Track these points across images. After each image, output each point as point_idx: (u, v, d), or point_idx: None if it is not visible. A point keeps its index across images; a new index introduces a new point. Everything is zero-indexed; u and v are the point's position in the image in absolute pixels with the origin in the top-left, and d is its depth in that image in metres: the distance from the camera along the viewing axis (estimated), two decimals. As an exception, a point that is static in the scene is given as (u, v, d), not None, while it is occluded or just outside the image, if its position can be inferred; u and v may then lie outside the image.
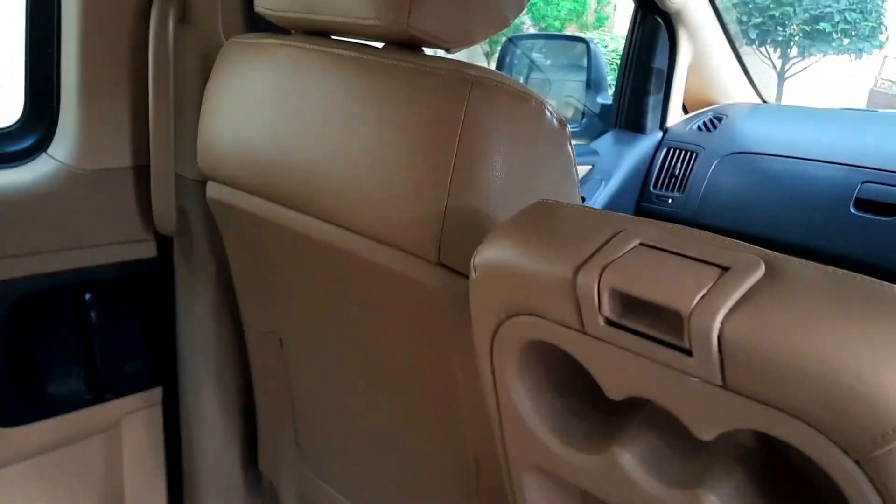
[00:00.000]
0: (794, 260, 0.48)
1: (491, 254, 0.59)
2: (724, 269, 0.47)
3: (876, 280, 0.46)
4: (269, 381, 1.15)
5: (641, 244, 0.52)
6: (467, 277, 0.61)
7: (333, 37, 0.85)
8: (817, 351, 0.42)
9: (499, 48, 1.89)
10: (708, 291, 0.46)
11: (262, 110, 0.85)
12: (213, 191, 0.97)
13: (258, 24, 0.96)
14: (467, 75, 0.69)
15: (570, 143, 0.74)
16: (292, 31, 0.89)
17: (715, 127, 1.74)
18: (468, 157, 0.67)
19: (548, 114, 0.71)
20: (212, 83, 0.93)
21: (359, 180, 0.73)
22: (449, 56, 0.78)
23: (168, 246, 1.17)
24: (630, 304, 0.50)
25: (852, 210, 1.44)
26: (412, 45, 0.76)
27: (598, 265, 0.51)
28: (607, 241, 0.53)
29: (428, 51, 0.78)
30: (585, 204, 1.66)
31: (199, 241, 1.12)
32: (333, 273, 0.85)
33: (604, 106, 1.84)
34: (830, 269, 0.47)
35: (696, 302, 0.46)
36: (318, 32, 0.84)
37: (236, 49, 0.91)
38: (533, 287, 0.55)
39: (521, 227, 0.59)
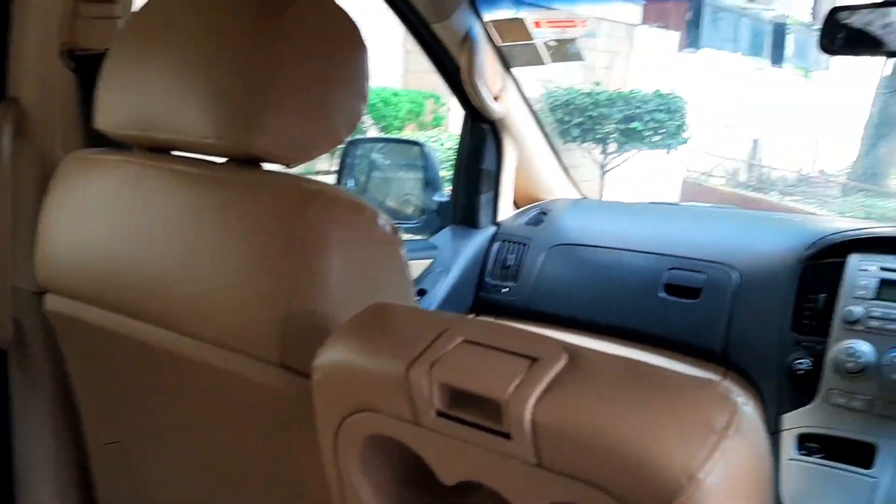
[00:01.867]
0: (592, 350, 0.56)
1: (331, 354, 0.63)
2: (534, 359, 0.55)
3: (659, 367, 0.55)
4: (114, 494, 1.10)
5: (465, 340, 0.58)
6: (310, 377, 0.65)
7: (174, 152, 0.87)
8: (611, 429, 0.49)
9: (340, 150, 1.98)
10: (521, 381, 0.53)
11: (103, 223, 0.85)
12: (52, 303, 0.95)
13: (96, 140, 0.97)
14: (306, 189, 0.74)
15: (402, 248, 0.81)
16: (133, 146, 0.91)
17: (542, 221, 1.89)
18: (308, 264, 0.72)
19: (380, 222, 0.78)
20: (51, 196, 0.93)
21: (202, 289, 0.76)
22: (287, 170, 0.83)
23: (2, 359, 1.12)
24: (457, 396, 0.56)
25: (661, 294, 1.61)
26: (252, 161, 0.80)
27: (428, 361, 0.56)
28: (435, 339, 0.59)
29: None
30: (428, 295, 1.75)
31: (36, 354, 1.09)
32: (178, 380, 0.86)
33: (441, 203, 1.96)
34: (622, 357, 0.55)
35: (510, 391, 0.52)
36: (159, 149, 0.86)
37: (75, 163, 0.92)
38: (371, 384, 0.60)
39: (358, 329, 0.64)
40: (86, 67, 1.04)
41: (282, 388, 0.74)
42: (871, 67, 14.68)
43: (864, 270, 1.41)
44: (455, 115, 7.33)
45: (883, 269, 1.40)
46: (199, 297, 0.76)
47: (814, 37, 15.83)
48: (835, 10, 1.24)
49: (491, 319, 1.76)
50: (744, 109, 13.11)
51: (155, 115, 0.81)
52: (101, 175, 0.88)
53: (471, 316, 1.81)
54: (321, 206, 0.73)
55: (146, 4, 0.87)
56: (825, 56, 16.11)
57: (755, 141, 13.90)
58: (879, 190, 12.75)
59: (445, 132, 7.03)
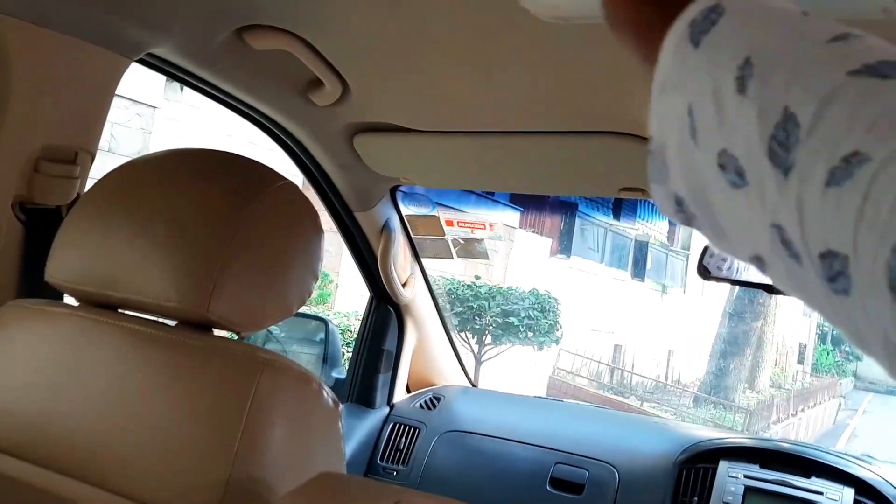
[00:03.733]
0: None
1: None
2: None
3: None
4: None
5: None
6: None
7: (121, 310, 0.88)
8: None
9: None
10: None
11: (41, 377, 0.83)
12: None
13: (34, 292, 0.97)
14: (258, 358, 0.78)
15: (342, 420, 0.85)
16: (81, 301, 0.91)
17: (435, 406, 1.95)
18: (254, 431, 0.74)
19: (325, 395, 0.82)
20: None
21: (144, 450, 0.75)
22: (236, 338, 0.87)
23: None
24: None
25: (548, 487, 1.67)
26: (204, 326, 0.84)
27: None
28: None
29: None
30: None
31: None
32: None
33: (337, 380, 1.98)
34: None
35: None
36: (109, 306, 0.86)
37: (15, 312, 0.91)
38: None
39: (308, 497, 0.67)
40: (35, 221, 1.06)
41: None
42: (721, 292, 16.20)
43: (732, 477, 1.55)
44: (342, 292, 7.42)
45: (747, 476, 1.55)
46: (138, 457, 0.76)
47: (671, 257, 17.42)
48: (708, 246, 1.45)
49: None
50: (608, 315, 13.96)
51: (112, 274, 0.83)
52: (42, 326, 0.88)
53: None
54: (271, 376, 0.77)
55: (114, 171, 0.91)
56: (680, 275, 17.65)
57: (617, 346, 14.71)
58: (727, 403, 13.62)
59: (332, 309, 7.07)
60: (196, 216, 0.82)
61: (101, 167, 1.08)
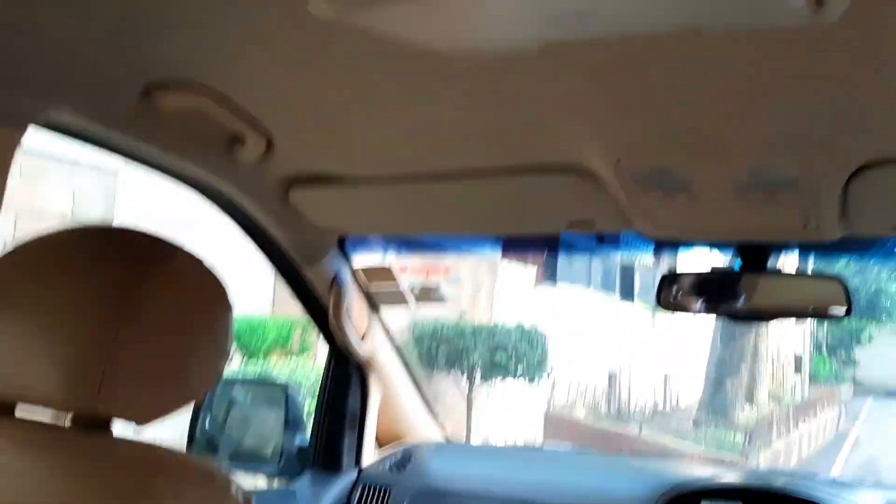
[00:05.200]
0: None
1: None
2: None
3: None
4: None
5: None
6: None
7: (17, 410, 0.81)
8: None
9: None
10: None
11: None
12: None
13: None
14: (153, 458, 0.70)
15: None
16: None
17: (405, 466, 1.85)
18: None
19: (232, 491, 0.74)
20: None
21: None
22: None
23: None
24: None
25: (527, 545, 1.57)
26: (100, 422, 0.76)
27: None
28: None
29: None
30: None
31: None
32: None
33: (301, 447, 1.89)
34: None
35: None
36: (4, 408, 0.78)
37: None
38: None
39: None
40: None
41: None
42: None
43: (714, 519, 1.46)
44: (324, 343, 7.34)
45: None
46: None
47: (657, 275, 17.44)
48: (667, 275, 1.38)
49: None
50: (600, 342, 13.89)
51: (4, 372, 0.76)
52: None
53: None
54: (169, 479, 0.70)
55: (2, 258, 0.84)
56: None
57: (612, 374, 14.60)
58: (727, 423, 13.50)
59: (313, 360, 6.96)
60: (83, 300, 0.75)
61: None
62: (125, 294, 0.74)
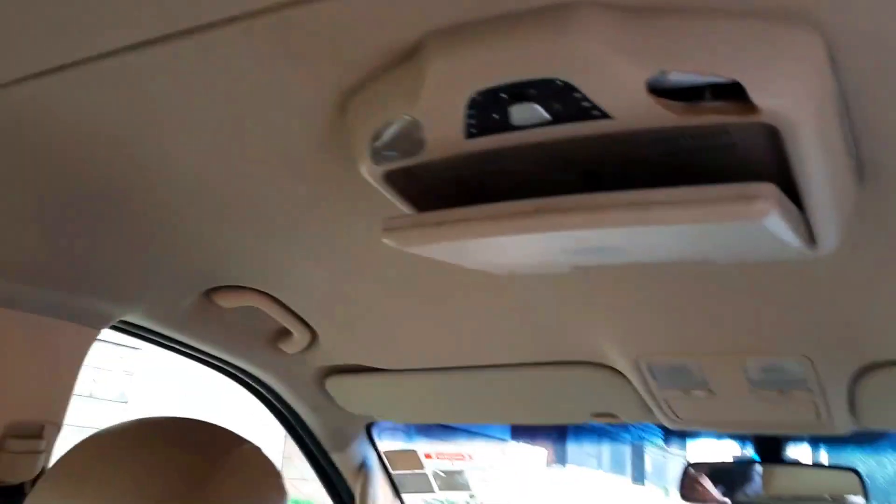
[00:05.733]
0: None
1: None
2: None
3: None
4: None
5: None
6: None
7: None
8: None
9: None
10: None
11: None
12: None
13: None
14: None
15: None
16: None
17: None
18: None
19: None
20: None
21: None
22: None
23: None
24: None
25: None
26: None
27: None
28: None
29: None
30: None
31: None
32: None
33: None
34: None
35: None
36: None
37: None
38: None
39: None
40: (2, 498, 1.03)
41: None
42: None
43: None
44: None
45: None
46: None
47: (669, 458, 16.89)
48: (688, 464, 1.43)
49: None
50: (613, 528, 13.22)
51: None
52: None
53: None
54: None
55: (78, 445, 0.90)
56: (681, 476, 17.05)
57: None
58: None
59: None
60: (154, 488, 0.81)
61: (81, 413, 1.07)
62: (195, 483, 0.81)
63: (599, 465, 14.38)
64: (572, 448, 13.47)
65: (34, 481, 1.05)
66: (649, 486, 15.58)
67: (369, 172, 0.72)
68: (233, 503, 0.83)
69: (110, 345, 5.53)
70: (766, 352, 1.09)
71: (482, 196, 0.71)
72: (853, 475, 1.27)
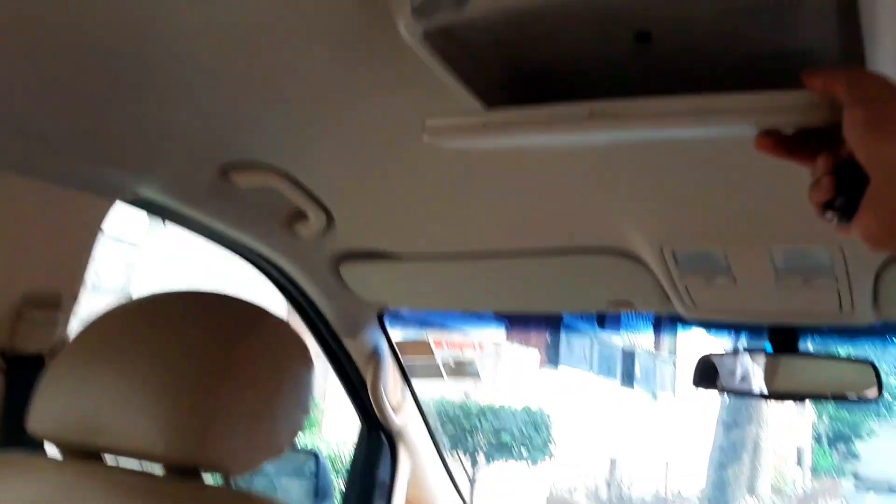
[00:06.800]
0: None
1: None
2: None
3: None
4: None
5: None
6: None
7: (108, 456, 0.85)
8: None
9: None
10: None
11: None
12: None
13: (17, 439, 0.93)
14: (250, 500, 0.74)
15: None
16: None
17: (433, 538, 1.86)
18: None
19: None
20: None
21: None
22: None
23: None
24: None
25: None
26: (192, 471, 0.80)
27: None
28: None
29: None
30: None
31: None
32: None
33: (330, 515, 1.90)
34: None
35: None
36: (93, 455, 0.83)
37: None
38: None
39: None
40: (17, 368, 1.03)
41: None
42: (713, 393, 16.00)
43: None
44: (330, 418, 7.24)
45: None
46: None
47: (659, 364, 17.31)
48: (702, 356, 1.44)
49: None
50: (601, 427, 13.69)
51: (97, 423, 0.79)
52: (22, 481, 0.83)
53: None
54: None
55: (101, 317, 0.90)
56: (669, 381, 17.52)
57: (613, 460, 14.34)
58: (730, 513, 13.17)
59: (319, 436, 6.86)
60: (184, 361, 0.80)
61: (85, 305, 1.07)
62: (223, 353, 0.80)
63: (590, 368, 14.73)
64: (564, 351, 13.76)
65: (53, 352, 1.05)
66: (638, 390, 16.03)
67: (408, 29, 0.67)
68: (258, 371, 0.83)
69: (110, 239, 5.53)
70: (796, 239, 1.07)
71: (524, 75, 0.68)
72: (869, 367, 1.29)
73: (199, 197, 1.21)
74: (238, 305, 0.89)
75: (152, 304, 0.90)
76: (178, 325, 0.85)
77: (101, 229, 1.13)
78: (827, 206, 0.53)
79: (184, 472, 0.80)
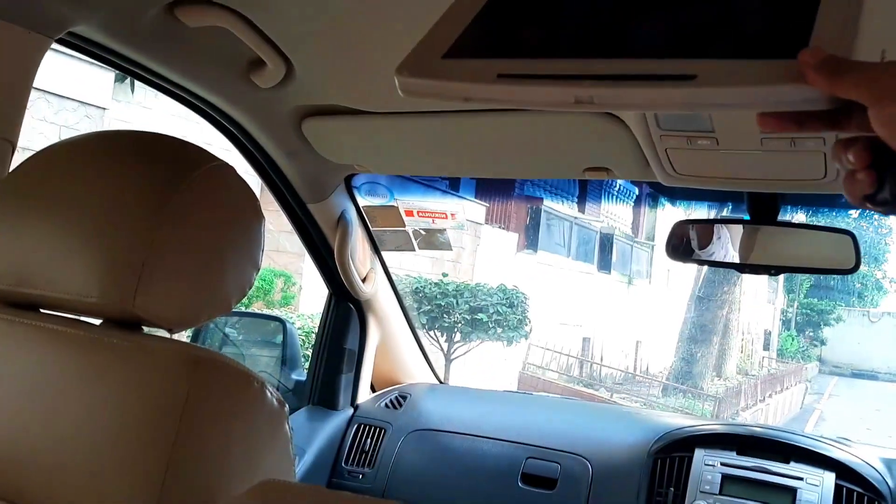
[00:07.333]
0: None
1: None
2: None
3: None
4: None
5: None
6: None
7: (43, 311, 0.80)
8: None
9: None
10: None
11: None
12: None
13: None
14: (192, 355, 0.70)
15: (288, 422, 0.77)
16: None
17: (401, 405, 1.87)
18: (189, 434, 0.66)
19: (268, 394, 0.74)
20: None
21: (67, 459, 0.67)
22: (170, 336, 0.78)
23: None
24: None
25: (519, 484, 1.60)
26: (132, 324, 0.75)
27: None
28: None
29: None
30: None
31: None
32: None
33: (298, 382, 1.90)
34: None
35: None
36: (27, 306, 0.78)
37: None
38: None
39: None
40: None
41: None
42: (686, 281, 16.36)
43: (709, 466, 1.49)
44: (306, 294, 7.29)
45: (724, 464, 1.50)
46: (60, 467, 0.67)
47: (636, 249, 17.56)
48: (678, 222, 1.40)
49: None
50: (576, 309, 14.01)
51: (29, 270, 0.75)
52: None
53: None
54: (206, 375, 0.69)
55: (30, 159, 0.82)
56: (646, 267, 17.84)
57: (585, 339, 14.76)
58: (696, 391, 13.74)
59: (295, 311, 6.93)
60: (119, 203, 0.73)
61: None
62: (162, 197, 0.73)
63: (568, 254, 14.90)
64: (543, 235, 13.86)
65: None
66: (614, 275, 16.32)
67: None
68: (201, 218, 0.76)
69: (75, 102, 5.32)
70: None
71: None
72: (848, 238, 1.25)
73: (144, 37, 1.11)
74: (179, 146, 0.81)
75: (87, 143, 0.82)
76: (114, 165, 0.77)
77: (36, 70, 1.04)
78: (867, 198, 0.48)
79: (122, 326, 0.75)
